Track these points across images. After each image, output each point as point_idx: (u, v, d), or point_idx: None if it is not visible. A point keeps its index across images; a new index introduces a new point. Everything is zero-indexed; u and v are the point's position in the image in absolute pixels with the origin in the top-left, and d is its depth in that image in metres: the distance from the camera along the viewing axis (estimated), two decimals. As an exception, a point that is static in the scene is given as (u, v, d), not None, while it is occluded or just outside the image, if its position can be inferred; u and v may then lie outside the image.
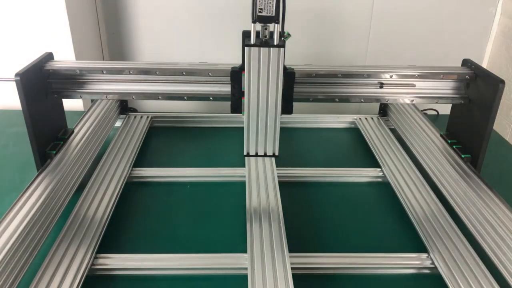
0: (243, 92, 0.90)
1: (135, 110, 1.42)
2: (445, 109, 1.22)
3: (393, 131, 1.31)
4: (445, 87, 1.05)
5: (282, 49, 0.84)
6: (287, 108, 0.96)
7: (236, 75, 0.93)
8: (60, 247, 0.81)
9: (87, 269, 0.78)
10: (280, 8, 0.81)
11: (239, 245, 0.84)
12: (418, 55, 1.64)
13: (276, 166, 1.08)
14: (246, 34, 0.88)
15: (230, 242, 0.88)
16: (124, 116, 1.35)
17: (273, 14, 0.81)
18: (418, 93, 1.04)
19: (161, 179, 1.08)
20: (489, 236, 0.83)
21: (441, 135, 1.16)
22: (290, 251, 0.81)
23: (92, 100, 1.31)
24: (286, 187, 1.03)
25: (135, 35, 1.62)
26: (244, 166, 1.08)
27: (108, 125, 1.25)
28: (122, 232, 0.90)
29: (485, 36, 1.66)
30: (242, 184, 1.03)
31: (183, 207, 0.99)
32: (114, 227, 0.91)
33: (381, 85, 1.02)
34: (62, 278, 0.75)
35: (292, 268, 0.77)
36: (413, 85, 1.03)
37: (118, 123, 1.33)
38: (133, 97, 1.02)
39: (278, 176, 1.04)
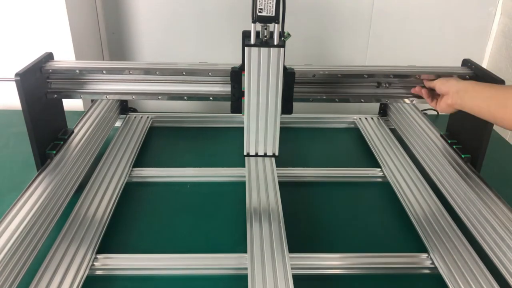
0: (243, 92, 0.90)
1: (135, 110, 1.42)
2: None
3: (393, 131, 1.31)
4: (445, 87, 1.05)
5: (282, 49, 0.84)
6: (287, 108, 0.96)
7: (236, 75, 0.93)
8: (60, 247, 0.81)
9: (87, 269, 0.78)
10: (280, 8, 0.81)
11: (239, 245, 0.84)
12: (418, 55, 1.64)
13: (276, 166, 1.08)
14: (246, 34, 0.88)
15: (230, 242, 0.88)
16: (124, 116, 1.35)
17: (273, 14, 0.81)
18: (418, 93, 1.04)
19: (161, 179, 1.08)
20: (489, 236, 0.83)
21: (441, 135, 1.16)
22: (290, 251, 0.81)
23: (92, 100, 1.31)
24: (286, 187, 1.03)
25: (135, 35, 1.62)
26: (244, 166, 1.08)
27: (108, 125, 1.25)
28: (122, 232, 0.90)
29: (485, 36, 1.66)
30: (242, 184, 1.03)
31: (183, 207, 0.99)
32: (114, 227, 0.91)
33: (378, 85, 1.02)
34: (62, 278, 0.75)
35: (292, 268, 0.77)
36: (413, 85, 1.03)
37: (118, 123, 1.33)
38: (133, 97, 1.02)
39: (278, 176, 1.04)
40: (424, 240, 0.87)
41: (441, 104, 0.93)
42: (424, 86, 1.00)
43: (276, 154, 0.96)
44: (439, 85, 0.92)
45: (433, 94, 0.97)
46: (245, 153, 0.96)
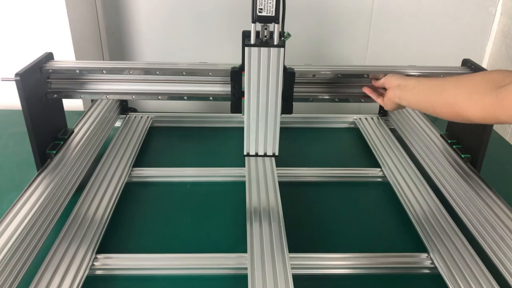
0: (243, 92, 0.90)
1: (135, 110, 1.42)
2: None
3: (393, 131, 1.31)
4: (445, 87, 1.05)
5: (282, 49, 0.84)
6: (287, 108, 0.96)
7: (236, 75, 0.93)
8: (60, 247, 0.81)
9: (87, 269, 0.78)
10: (280, 8, 0.81)
11: (239, 245, 0.84)
12: (418, 55, 1.64)
13: (276, 166, 1.08)
14: (246, 34, 0.88)
15: (230, 242, 0.88)
16: (124, 116, 1.35)
17: (273, 14, 0.81)
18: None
19: (161, 179, 1.08)
20: (489, 236, 0.83)
21: (441, 135, 1.16)
22: (290, 251, 0.81)
23: (92, 100, 1.31)
24: (286, 187, 1.03)
25: (135, 35, 1.62)
26: (244, 166, 1.08)
27: (108, 125, 1.25)
28: (122, 232, 0.90)
29: (485, 36, 1.66)
30: (242, 184, 1.03)
31: (183, 207, 0.99)
32: (114, 227, 0.91)
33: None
34: (62, 278, 0.75)
35: (292, 268, 0.77)
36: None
37: (118, 123, 1.33)
38: (133, 97, 1.02)
39: (278, 176, 1.04)
40: (424, 240, 0.87)
41: (384, 99, 0.92)
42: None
43: (276, 154, 0.96)
44: (385, 81, 0.92)
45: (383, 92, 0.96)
46: (245, 153, 0.96)
